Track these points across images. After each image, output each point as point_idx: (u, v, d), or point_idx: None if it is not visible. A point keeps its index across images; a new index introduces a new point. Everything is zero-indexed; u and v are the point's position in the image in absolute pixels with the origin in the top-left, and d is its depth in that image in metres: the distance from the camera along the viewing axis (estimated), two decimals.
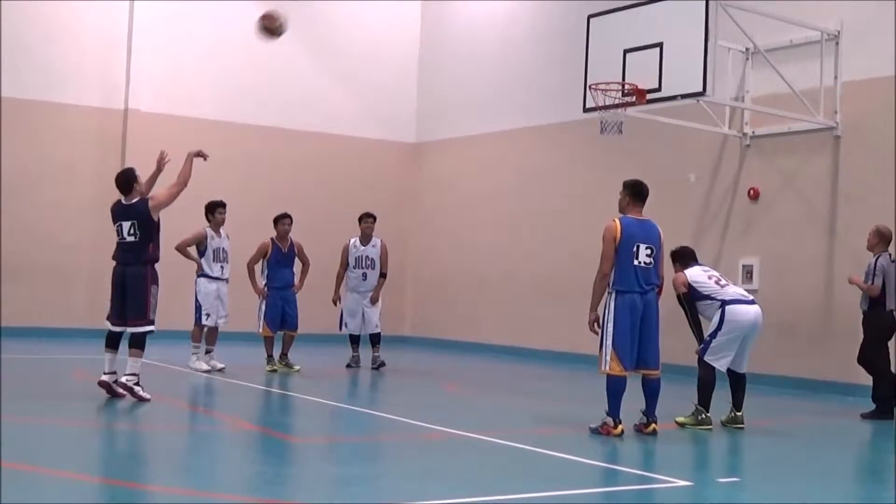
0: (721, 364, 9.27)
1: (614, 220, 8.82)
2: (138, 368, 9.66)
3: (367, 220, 13.80)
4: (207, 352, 12.74)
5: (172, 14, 17.77)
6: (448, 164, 19.34)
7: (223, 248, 12.77)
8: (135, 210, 9.86)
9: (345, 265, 13.70)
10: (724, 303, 9.27)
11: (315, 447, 8.20)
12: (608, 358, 8.57)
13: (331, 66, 19.34)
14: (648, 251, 8.67)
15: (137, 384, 9.59)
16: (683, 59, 11.98)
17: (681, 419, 9.34)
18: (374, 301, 13.58)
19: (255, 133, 18.46)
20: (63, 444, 7.54)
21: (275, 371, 12.77)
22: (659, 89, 12.24)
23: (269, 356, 13.02)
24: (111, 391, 9.68)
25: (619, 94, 12.52)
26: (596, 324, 8.74)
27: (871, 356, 10.79)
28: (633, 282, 8.61)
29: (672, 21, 12.19)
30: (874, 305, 10.70)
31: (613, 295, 8.64)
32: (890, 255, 10.79)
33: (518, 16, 18.12)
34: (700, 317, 9.51)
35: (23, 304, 16.40)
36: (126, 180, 10.11)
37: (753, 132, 14.00)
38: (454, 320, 18.77)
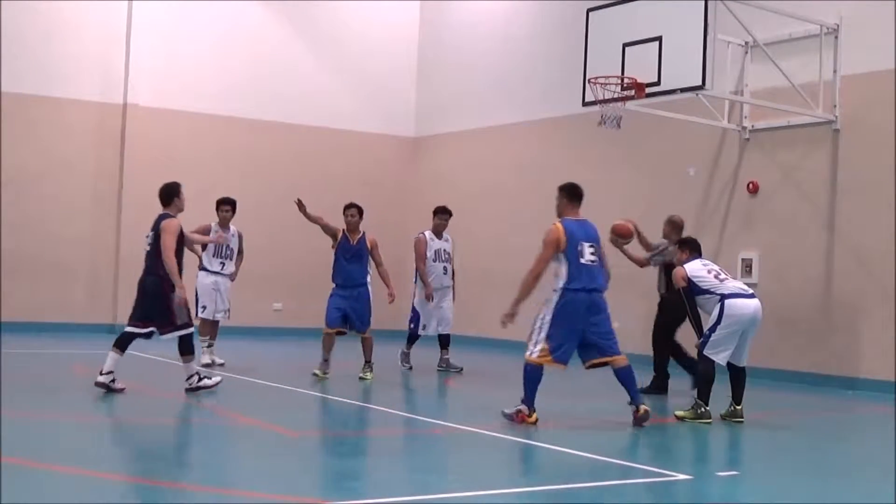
0: (721, 358, 9.27)
1: (556, 224, 8.89)
2: (192, 370, 9.92)
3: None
4: (209, 346, 12.76)
5: (172, 9, 17.76)
6: (447, 158, 19.33)
7: (227, 245, 12.76)
8: (156, 222, 10.01)
9: (423, 259, 13.14)
10: (723, 297, 9.28)
11: (314, 441, 8.21)
12: (538, 347, 8.69)
13: (330, 61, 19.34)
14: (592, 249, 8.84)
15: (200, 380, 9.92)
16: (682, 52, 11.97)
17: (680, 413, 9.35)
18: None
19: (255, 128, 18.46)
20: (63, 439, 7.55)
21: (318, 375, 11.69)
22: (658, 83, 12.23)
23: (325, 360, 11.81)
24: (108, 389, 9.74)
25: (619, 88, 12.52)
26: (511, 320, 8.80)
27: (667, 336, 11.49)
28: (583, 281, 8.73)
29: (671, 15, 12.18)
30: (673, 290, 11.00)
31: (560, 293, 8.72)
32: None
33: (517, 10, 18.11)
34: (700, 311, 9.51)
35: (22, 299, 16.41)
36: (166, 192, 10.23)
37: (753, 126, 14.00)
38: (454, 314, 18.75)
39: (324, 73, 19.23)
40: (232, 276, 12.89)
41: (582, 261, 8.73)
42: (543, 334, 8.69)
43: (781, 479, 7.09)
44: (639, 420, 8.77)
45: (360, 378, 11.88)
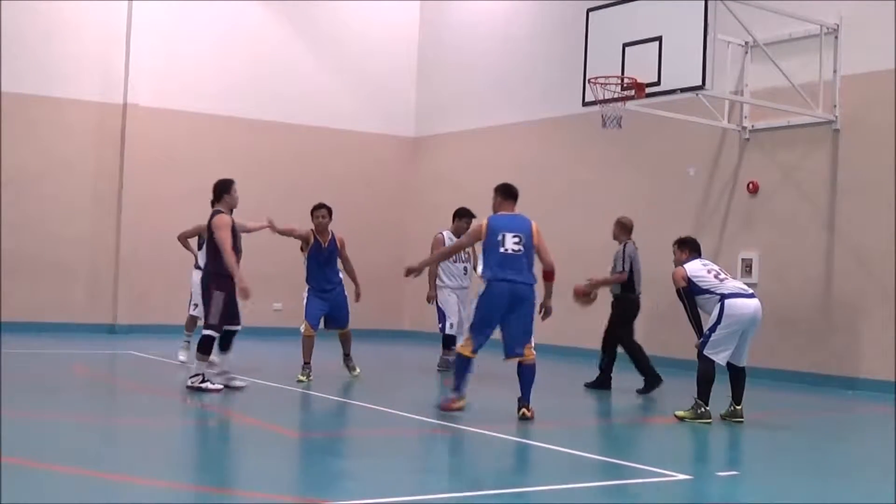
0: (720, 358, 9.27)
1: (483, 220, 9.27)
2: (201, 369, 9.97)
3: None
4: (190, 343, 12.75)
5: (172, 9, 17.76)
6: (447, 158, 19.33)
7: None
8: (209, 219, 10.10)
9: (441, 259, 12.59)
10: (723, 297, 9.27)
11: (314, 441, 8.21)
12: (464, 337, 9.15)
13: (330, 61, 19.34)
14: (516, 239, 9.00)
15: (203, 381, 9.93)
16: (682, 52, 11.98)
17: (680, 413, 9.35)
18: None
19: (255, 128, 18.46)
20: (63, 439, 7.55)
21: (303, 381, 11.30)
22: (658, 83, 12.24)
23: (306, 363, 11.52)
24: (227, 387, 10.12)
25: (619, 88, 12.52)
26: (412, 272, 9.57)
27: (623, 335, 11.76)
28: (501, 270, 8.90)
29: (671, 15, 12.18)
30: (625, 289, 11.72)
31: (484, 285, 8.99)
32: (633, 242, 11.83)
33: (517, 10, 18.11)
34: (699, 311, 9.50)
35: (22, 299, 16.40)
36: (219, 186, 10.29)
37: (753, 126, 14.00)
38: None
39: (324, 73, 19.23)
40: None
41: (501, 249, 8.95)
42: (467, 325, 9.17)
43: (781, 479, 7.08)
44: (517, 415, 8.97)
45: (353, 375, 11.94)
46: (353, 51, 19.44)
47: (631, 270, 11.71)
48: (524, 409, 8.95)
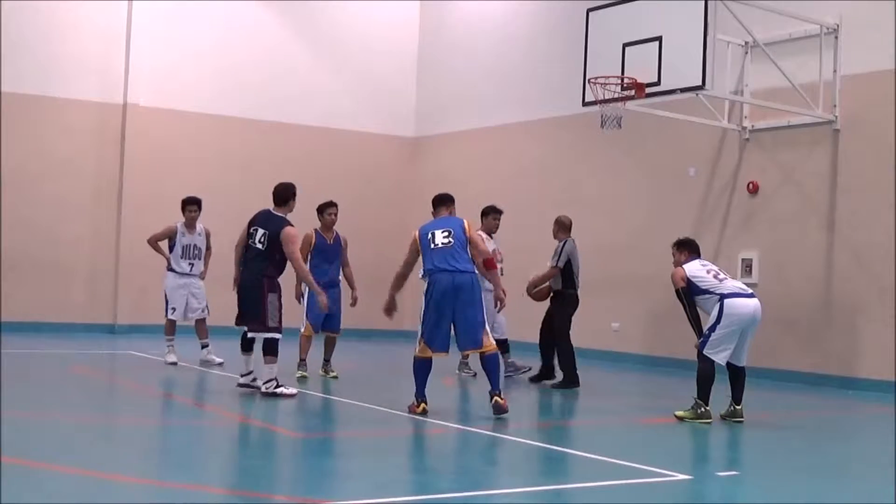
0: (720, 358, 9.27)
1: (413, 232, 9.51)
2: (273, 373, 9.87)
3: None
4: (204, 346, 12.76)
5: (172, 9, 17.76)
6: (447, 158, 19.32)
7: (195, 245, 12.77)
8: (273, 223, 9.97)
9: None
10: (722, 296, 9.27)
11: (314, 441, 8.21)
12: (418, 341, 9.18)
13: (330, 61, 19.34)
14: (445, 234, 9.20)
15: (278, 386, 9.86)
16: (682, 52, 11.98)
17: (680, 413, 9.35)
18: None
19: (255, 127, 18.46)
20: (63, 440, 7.55)
21: (304, 378, 11.52)
22: (658, 83, 12.24)
23: (302, 360, 11.72)
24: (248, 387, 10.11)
25: (619, 88, 12.52)
26: (386, 310, 9.62)
27: (559, 329, 11.94)
28: (434, 263, 9.06)
29: (671, 15, 12.18)
30: (565, 285, 12.03)
31: (426, 282, 9.13)
32: (573, 240, 12.15)
33: (517, 10, 18.11)
34: (699, 311, 9.50)
35: (22, 299, 16.41)
36: (284, 191, 10.22)
37: (753, 126, 14.00)
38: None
39: (324, 73, 19.23)
40: (202, 275, 12.90)
41: (432, 245, 9.14)
42: (419, 328, 9.15)
43: (781, 479, 7.08)
44: (490, 402, 8.99)
45: (332, 377, 11.90)
46: (353, 51, 19.44)
47: (570, 267, 11.97)
48: (496, 398, 8.96)
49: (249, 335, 10.04)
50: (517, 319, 13.43)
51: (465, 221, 9.41)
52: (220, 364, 12.51)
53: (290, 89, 18.79)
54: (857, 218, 12.85)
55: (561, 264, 11.97)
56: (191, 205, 12.77)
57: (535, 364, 12.41)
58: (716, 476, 7.33)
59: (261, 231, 10.01)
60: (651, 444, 8.44)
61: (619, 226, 15.65)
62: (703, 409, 9.26)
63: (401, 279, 9.50)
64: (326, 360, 12.10)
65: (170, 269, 12.75)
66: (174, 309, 12.69)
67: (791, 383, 12.97)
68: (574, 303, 12.15)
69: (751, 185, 13.96)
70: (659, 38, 12.23)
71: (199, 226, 12.88)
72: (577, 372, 11.84)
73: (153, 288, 16.94)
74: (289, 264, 10.10)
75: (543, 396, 11.37)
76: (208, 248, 12.98)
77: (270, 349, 9.88)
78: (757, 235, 13.86)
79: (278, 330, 9.94)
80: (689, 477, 7.04)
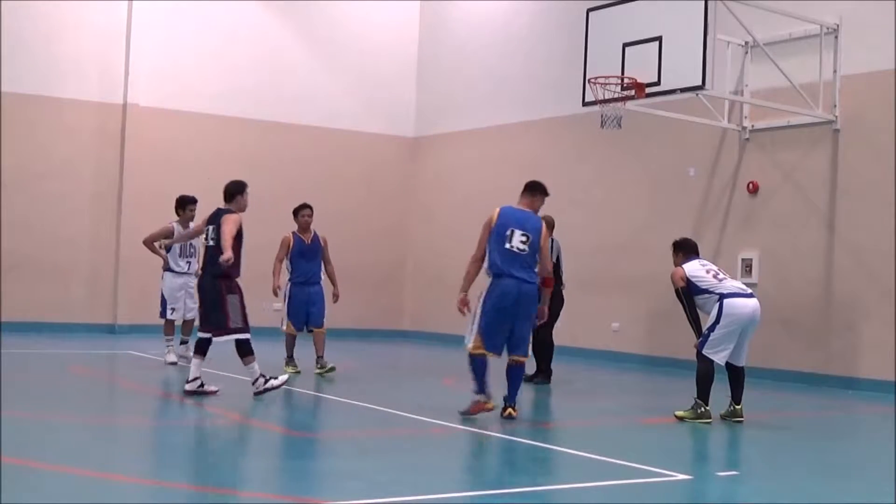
0: (720, 357, 9.27)
1: (495, 209, 9.09)
2: (256, 372, 9.76)
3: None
4: (183, 342, 12.76)
5: (172, 9, 17.76)
6: (447, 158, 19.33)
7: (191, 244, 12.77)
8: (219, 217, 9.84)
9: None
10: (722, 296, 9.27)
11: (314, 441, 8.21)
12: (471, 337, 8.83)
13: (330, 61, 19.34)
14: (524, 238, 8.89)
15: (266, 381, 9.77)
16: (682, 52, 11.98)
17: (680, 413, 9.35)
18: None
19: (255, 128, 18.46)
20: (63, 439, 7.55)
21: (298, 373, 11.96)
22: (658, 83, 12.24)
23: (290, 357, 12.19)
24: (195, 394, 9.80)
25: (619, 87, 12.52)
26: (463, 305, 9.04)
27: (545, 324, 11.56)
28: (506, 265, 8.79)
29: (671, 15, 12.19)
30: (556, 284, 11.74)
31: (491, 278, 8.89)
32: (556, 240, 11.99)
33: (517, 10, 18.10)
34: (698, 311, 9.50)
35: (22, 299, 16.41)
36: (232, 186, 10.03)
37: (753, 126, 14.00)
38: (453, 315, 18.69)
39: (324, 73, 19.23)
40: (196, 273, 12.90)
41: (507, 245, 8.85)
42: (477, 323, 8.85)
43: (781, 479, 7.08)
44: (502, 415, 8.89)
45: (325, 373, 12.01)
46: (353, 51, 19.44)
47: (559, 266, 12.00)
48: (510, 410, 8.89)
49: (218, 340, 9.77)
50: None
51: (543, 228, 9.09)
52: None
53: (290, 89, 18.79)
54: (857, 218, 12.85)
55: (554, 259, 11.96)
56: (191, 203, 12.77)
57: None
58: (716, 476, 7.33)
59: (211, 228, 9.88)
60: (651, 444, 8.44)
61: (619, 226, 15.64)
62: (702, 409, 9.26)
63: (474, 275, 9.10)
64: (320, 356, 12.21)
65: (167, 268, 12.74)
66: (174, 309, 12.69)
67: (791, 383, 12.97)
68: (560, 300, 12.14)
69: (751, 185, 13.96)
70: (659, 38, 12.23)
71: (192, 225, 12.88)
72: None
73: (153, 288, 16.97)
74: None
75: (543, 396, 11.37)
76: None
77: (245, 350, 9.72)
78: (757, 235, 13.86)
79: (244, 330, 9.73)
80: (689, 477, 7.04)
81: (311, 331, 12.36)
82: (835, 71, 13.03)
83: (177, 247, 12.64)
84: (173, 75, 17.79)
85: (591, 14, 13.27)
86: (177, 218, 12.77)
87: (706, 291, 9.37)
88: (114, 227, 17.32)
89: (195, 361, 9.85)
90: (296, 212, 12.49)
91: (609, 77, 12.56)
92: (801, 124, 13.36)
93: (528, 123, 17.54)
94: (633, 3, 12.70)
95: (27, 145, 16.74)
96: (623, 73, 12.50)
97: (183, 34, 17.94)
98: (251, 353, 9.76)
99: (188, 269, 12.76)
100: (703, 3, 11.75)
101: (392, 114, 19.88)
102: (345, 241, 18.50)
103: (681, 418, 9.30)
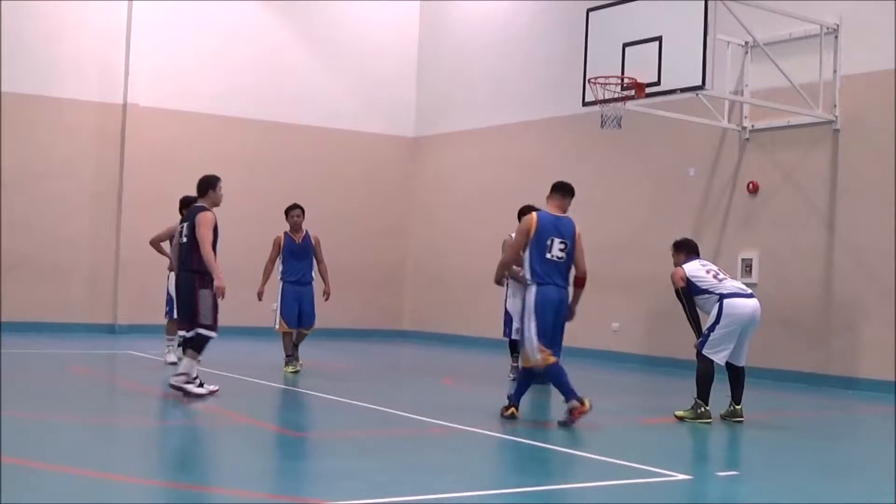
0: (720, 357, 9.27)
1: (531, 215, 8.98)
2: (188, 369, 9.60)
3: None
4: (178, 345, 12.76)
5: (172, 9, 17.77)
6: (447, 158, 19.33)
7: None
8: (192, 213, 9.78)
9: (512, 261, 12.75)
10: (722, 296, 9.27)
11: (314, 441, 8.21)
12: (534, 348, 8.66)
13: (330, 61, 19.34)
14: (562, 245, 8.84)
15: (189, 382, 9.56)
16: (682, 52, 11.98)
17: (680, 413, 9.35)
18: None
19: (255, 128, 18.46)
20: (63, 439, 7.55)
21: (297, 372, 12.13)
22: (658, 83, 12.24)
23: (289, 355, 12.33)
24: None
25: (619, 87, 12.52)
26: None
27: None
28: (547, 275, 8.75)
29: (671, 15, 12.19)
30: None
31: (533, 288, 8.77)
32: None
33: (517, 10, 18.11)
34: (698, 311, 9.50)
35: (22, 299, 16.41)
36: (203, 182, 9.95)
37: (753, 126, 14.00)
38: (453, 315, 18.78)
39: (324, 73, 19.23)
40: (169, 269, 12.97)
41: (548, 255, 8.80)
42: (534, 335, 8.69)
43: (781, 479, 7.08)
44: (504, 415, 8.90)
45: (294, 371, 12.09)
46: (353, 51, 19.44)
47: None
48: (514, 409, 8.93)
49: (186, 335, 9.70)
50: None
51: (577, 230, 8.99)
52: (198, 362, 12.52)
53: (290, 89, 18.79)
54: (857, 218, 12.85)
55: None
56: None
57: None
58: (716, 476, 7.33)
59: (185, 226, 9.80)
60: (651, 444, 8.44)
61: (619, 226, 15.64)
62: (702, 409, 9.26)
63: (503, 268, 9.28)
64: (295, 346, 12.41)
65: (172, 268, 12.72)
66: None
67: (791, 383, 12.97)
68: None
69: (751, 185, 13.96)
70: (659, 38, 12.24)
71: None
72: None
73: (153, 288, 16.97)
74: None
75: (543, 397, 11.37)
76: None
77: (197, 344, 9.57)
78: (757, 235, 13.86)
79: (211, 328, 9.59)
80: (689, 477, 7.04)
81: (301, 328, 12.47)
82: (835, 71, 13.03)
83: None
84: (173, 75, 17.79)
85: (591, 14, 13.27)
86: (181, 218, 12.75)
87: (706, 291, 9.37)
88: (114, 227, 17.32)
89: (191, 358, 9.76)
90: (287, 212, 12.68)
91: (609, 77, 12.56)
92: (801, 124, 13.36)
93: (528, 123, 17.54)
94: (633, 3, 12.70)
95: (27, 145, 16.74)
96: (623, 73, 12.50)
97: (183, 34, 17.95)
98: (200, 351, 9.60)
99: None
100: (703, 3, 11.75)
101: (392, 114, 19.88)
102: (345, 241, 18.54)
103: (681, 418, 9.30)
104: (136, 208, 17.15)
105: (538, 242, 8.80)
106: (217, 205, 9.97)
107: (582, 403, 8.59)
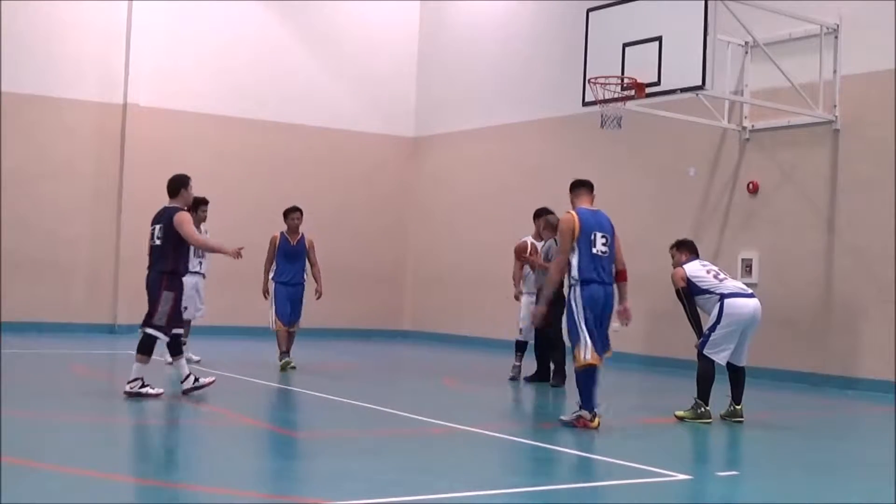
0: (720, 358, 9.27)
1: (570, 213, 8.82)
2: (140, 373, 9.50)
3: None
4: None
5: (172, 9, 17.77)
6: (447, 158, 19.34)
7: None
8: (166, 215, 9.71)
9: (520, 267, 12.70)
10: (722, 296, 9.28)
11: (314, 442, 8.21)
12: (588, 349, 8.51)
13: (330, 61, 19.34)
14: (604, 240, 8.75)
15: (143, 386, 9.48)
16: (682, 52, 11.98)
17: (680, 413, 9.35)
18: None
19: (255, 128, 18.47)
20: (63, 439, 7.55)
21: (293, 368, 12.40)
22: (658, 83, 12.24)
23: (283, 352, 12.53)
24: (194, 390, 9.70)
25: (619, 88, 12.52)
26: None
27: (558, 326, 11.56)
28: (594, 271, 8.63)
29: (671, 15, 12.19)
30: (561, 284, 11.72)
31: (578, 286, 8.62)
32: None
33: (517, 10, 18.11)
34: (699, 311, 9.51)
35: (22, 299, 16.41)
36: (173, 182, 9.92)
37: (753, 126, 14.00)
38: (453, 315, 18.78)
39: (324, 73, 19.23)
40: (204, 274, 13.05)
41: (593, 250, 8.64)
42: (585, 333, 8.52)
43: (781, 479, 7.08)
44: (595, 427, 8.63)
45: (291, 368, 12.32)
46: (353, 51, 19.45)
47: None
48: (598, 417, 8.62)
49: (140, 331, 9.60)
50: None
51: (612, 222, 8.94)
52: (198, 361, 12.54)
53: (290, 89, 18.79)
54: (857, 218, 12.85)
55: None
56: (203, 205, 12.80)
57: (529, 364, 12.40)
58: (716, 476, 7.33)
59: (157, 227, 9.71)
60: (651, 444, 8.44)
61: (619, 226, 15.33)
62: (703, 409, 9.26)
63: (561, 275, 8.85)
64: (287, 351, 12.62)
65: (191, 271, 12.70)
66: (186, 308, 12.66)
67: (791, 383, 12.97)
68: (563, 301, 12.05)
69: (751, 185, 13.96)
70: (659, 38, 12.23)
71: (203, 226, 12.90)
72: None
73: None
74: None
75: (543, 397, 11.37)
76: None
77: (145, 347, 9.47)
78: (757, 235, 13.86)
79: (163, 330, 9.52)
80: (689, 477, 7.04)
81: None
82: (835, 71, 13.03)
83: (191, 248, 12.63)
84: (173, 75, 17.79)
85: (590, 14, 13.27)
86: (152, 219, 12.73)
87: (707, 292, 9.38)
88: (114, 227, 17.31)
89: (177, 363, 9.77)
90: (286, 214, 12.83)
91: (609, 77, 12.56)
92: (801, 124, 13.36)
93: (528, 123, 17.54)
94: (633, 3, 12.70)
95: (27, 145, 16.74)
96: (623, 73, 12.50)
97: (183, 34, 17.95)
98: (149, 354, 9.51)
99: (200, 268, 12.79)
100: (703, 3, 11.75)
101: (392, 114, 19.88)
102: (345, 241, 18.56)
103: (681, 418, 9.30)
104: (136, 208, 17.12)
105: (584, 239, 8.66)
106: (189, 204, 9.97)
107: (594, 419, 8.51)
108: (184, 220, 9.60)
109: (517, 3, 18.11)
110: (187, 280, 12.66)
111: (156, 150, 17.48)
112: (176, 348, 9.76)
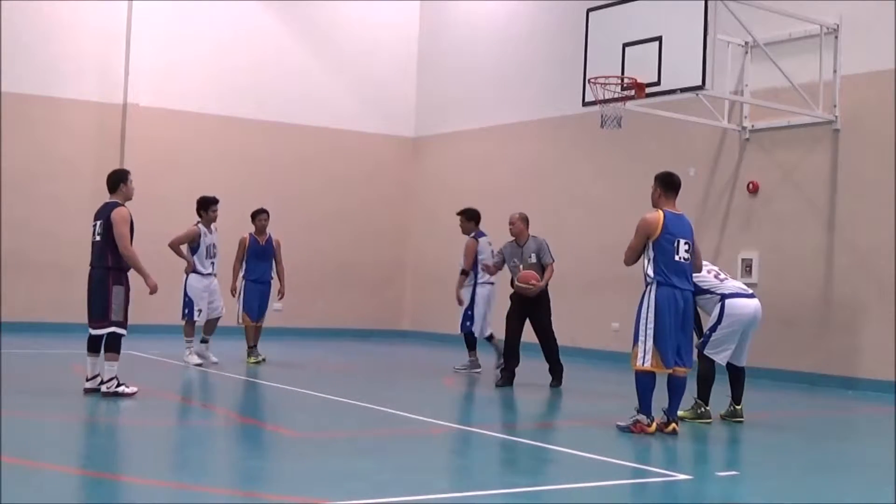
0: (721, 358, 9.27)
1: (658, 212, 8.61)
2: (114, 372, 9.44)
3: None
4: (203, 341, 12.79)
5: (172, 9, 17.76)
6: (447, 158, 19.34)
7: (214, 244, 12.79)
8: (106, 210, 9.66)
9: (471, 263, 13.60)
10: (723, 296, 9.27)
11: (313, 441, 8.21)
12: (648, 354, 8.34)
13: (330, 61, 19.34)
14: (686, 246, 8.57)
15: (119, 385, 9.43)
16: (682, 52, 11.98)
17: (680, 413, 9.34)
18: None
19: (255, 128, 18.46)
20: (62, 440, 7.55)
21: (263, 361, 12.99)
22: (658, 83, 12.24)
23: (251, 347, 13.19)
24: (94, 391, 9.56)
25: (619, 87, 12.52)
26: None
27: (550, 326, 11.97)
28: (674, 277, 8.44)
29: (671, 15, 12.19)
30: (547, 283, 11.99)
31: (654, 286, 8.40)
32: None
33: (517, 10, 18.11)
34: (700, 311, 9.50)
35: (22, 299, 16.41)
36: (113, 176, 9.93)
37: (753, 126, 14.00)
38: (453, 315, 18.73)
39: (324, 73, 19.23)
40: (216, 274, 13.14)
41: (676, 257, 8.46)
42: (651, 338, 8.34)
43: (781, 479, 7.09)
44: (664, 430, 8.53)
45: (255, 363, 12.91)
46: (353, 51, 19.44)
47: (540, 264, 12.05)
48: (675, 425, 8.54)
49: (93, 333, 9.45)
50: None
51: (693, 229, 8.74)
52: (215, 363, 12.54)
53: (290, 89, 18.79)
54: (857, 218, 12.85)
55: (534, 260, 12.01)
56: (213, 204, 12.80)
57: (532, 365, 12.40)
58: (716, 476, 7.33)
59: (97, 223, 9.64)
60: (651, 444, 8.44)
61: (619, 225, 15.56)
62: (703, 409, 9.27)
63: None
64: (254, 346, 13.23)
65: (194, 271, 12.69)
66: (200, 311, 12.68)
67: (791, 383, 12.97)
68: (549, 299, 12.17)
69: (751, 185, 13.96)
70: (659, 38, 12.24)
71: (213, 225, 12.91)
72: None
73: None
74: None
75: (543, 397, 11.38)
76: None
77: (113, 345, 9.39)
78: (757, 235, 13.86)
79: (122, 325, 9.43)
80: (689, 477, 7.04)
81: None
82: (835, 71, 13.03)
83: (203, 248, 12.67)
84: (173, 75, 17.78)
85: (591, 14, 13.27)
86: (199, 219, 12.77)
87: (707, 292, 9.37)
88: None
89: (92, 360, 9.59)
90: (253, 216, 13.41)
91: (609, 77, 12.56)
92: (801, 124, 13.37)
93: (528, 123, 17.54)
94: (633, 3, 12.70)
95: (27, 145, 16.74)
96: (623, 73, 12.50)
97: (183, 34, 17.94)
98: (118, 352, 9.44)
99: (212, 269, 12.82)
100: (703, 3, 11.75)
101: (392, 114, 19.88)
102: (345, 241, 18.56)
103: (681, 418, 9.29)
104: (136, 208, 17.00)
105: (665, 244, 8.43)
106: (129, 199, 9.87)
107: (650, 424, 8.39)
108: (119, 218, 9.49)
109: (517, 4, 18.11)
110: (199, 283, 12.69)
111: (156, 150, 17.48)
112: (115, 346, 9.47)
